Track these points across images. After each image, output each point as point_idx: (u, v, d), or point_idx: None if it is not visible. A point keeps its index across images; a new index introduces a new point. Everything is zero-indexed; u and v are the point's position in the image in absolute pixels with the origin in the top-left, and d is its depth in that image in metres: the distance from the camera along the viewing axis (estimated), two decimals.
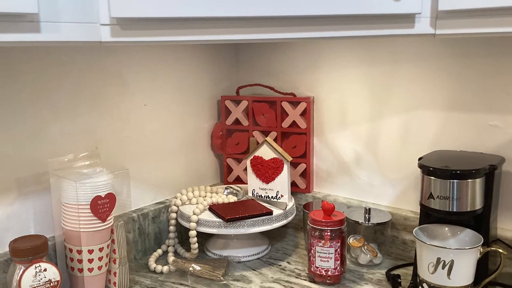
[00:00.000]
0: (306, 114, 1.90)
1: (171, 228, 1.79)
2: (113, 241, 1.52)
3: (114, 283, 1.54)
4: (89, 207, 1.42)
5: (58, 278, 1.36)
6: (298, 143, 1.94)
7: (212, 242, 1.82)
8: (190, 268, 1.63)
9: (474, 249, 1.36)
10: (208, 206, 1.77)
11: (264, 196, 1.83)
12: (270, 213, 1.70)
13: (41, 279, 1.33)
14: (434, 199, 1.42)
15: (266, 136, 1.91)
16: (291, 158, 1.79)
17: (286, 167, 1.78)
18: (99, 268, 1.48)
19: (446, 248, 1.36)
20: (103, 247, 1.48)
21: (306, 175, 1.97)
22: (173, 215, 1.78)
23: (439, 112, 1.65)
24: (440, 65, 1.63)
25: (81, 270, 1.47)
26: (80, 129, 1.60)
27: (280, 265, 1.72)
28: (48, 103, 1.51)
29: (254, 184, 1.85)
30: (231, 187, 1.92)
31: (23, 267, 1.31)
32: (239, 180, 2.08)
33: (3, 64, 1.40)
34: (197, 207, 1.72)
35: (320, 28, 1.22)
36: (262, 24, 1.20)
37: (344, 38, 1.29)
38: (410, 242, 1.72)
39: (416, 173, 1.56)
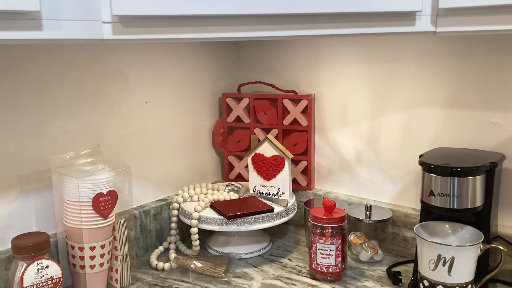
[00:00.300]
0: (307, 111, 1.90)
1: (173, 225, 1.79)
2: (114, 238, 1.52)
3: (116, 280, 1.55)
4: (91, 204, 1.43)
5: (60, 275, 1.36)
6: (299, 140, 1.94)
7: (214, 239, 1.83)
8: (192, 265, 1.63)
9: (475, 246, 1.36)
10: (209, 203, 1.77)
11: (265, 193, 1.84)
12: (271, 210, 1.71)
13: (43, 276, 1.33)
14: (434, 196, 1.42)
15: (267, 134, 1.91)
16: (292, 156, 1.79)
17: (287, 165, 1.78)
18: (101, 265, 1.49)
19: (447, 245, 1.36)
20: (104, 244, 1.48)
21: (307, 172, 1.97)
22: (175, 212, 1.78)
23: (439, 110, 1.65)
24: (441, 63, 1.63)
25: (83, 267, 1.47)
26: (82, 126, 1.60)
27: (281, 262, 1.73)
28: (50, 100, 1.51)
29: (255, 181, 1.86)
30: (232, 184, 1.92)
31: (25, 264, 1.31)
32: (240, 177, 2.08)
33: (5, 62, 1.41)
34: (198, 204, 1.72)
35: (321, 26, 1.22)
36: (263, 22, 1.21)
37: (345, 36, 1.29)
38: (410, 239, 1.72)
39: (417, 170, 1.56)
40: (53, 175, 1.48)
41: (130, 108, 1.73)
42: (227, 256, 1.71)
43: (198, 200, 1.79)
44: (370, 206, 1.74)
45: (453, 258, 1.35)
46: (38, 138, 1.50)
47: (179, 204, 1.79)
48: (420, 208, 1.53)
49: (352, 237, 1.69)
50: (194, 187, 1.87)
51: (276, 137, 1.94)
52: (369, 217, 1.71)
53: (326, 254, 1.56)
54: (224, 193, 1.85)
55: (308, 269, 1.65)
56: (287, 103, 1.92)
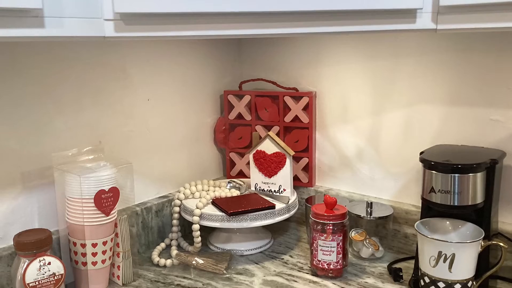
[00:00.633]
0: (308, 108, 1.91)
1: (174, 222, 1.79)
2: (116, 234, 1.53)
3: (118, 277, 1.55)
4: (93, 201, 1.43)
5: (62, 272, 1.37)
6: (300, 137, 1.95)
7: (215, 235, 1.83)
8: (193, 262, 1.64)
9: (475, 243, 1.37)
10: (211, 200, 1.77)
11: (267, 190, 1.84)
12: (272, 207, 1.71)
13: (45, 272, 1.34)
14: (435, 193, 1.43)
15: (269, 131, 1.91)
16: (294, 153, 1.79)
17: (288, 161, 1.78)
18: (103, 261, 1.49)
19: (448, 241, 1.37)
20: (106, 241, 1.49)
21: (308, 169, 1.98)
22: (176, 209, 1.79)
23: (440, 107, 1.65)
24: (441, 60, 1.63)
25: (85, 264, 1.47)
26: (84, 123, 1.61)
27: (283, 258, 1.73)
28: (52, 97, 1.52)
29: (256, 178, 1.86)
30: (234, 181, 1.93)
31: (27, 260, 1.32)
32: (242, 174, 2.09)
33: (8, 59, 1.41)
34: (200, 201, 1.72)
35: (322, 24, 1.23)
36: (265, 20, 1.21)
37: (346, 33, 1.29)
38: (411, 236, 1.72)
39: (418, 167, 1.57)
40: (55, 172, 1.49)
41: (132, 105, 1.74)
42: (229, 253, 1.72)
43: (200, 197, 1.79)
44: (371, 203, 1.74)
45: (453, 255, 1.35)
46: (41, 135, 1.50)
47: (181, 201, 1.79)
48: (421, 205, 1.54)
49: (353, 234, 1.70)
50: (196, 184, 1.87)
51: (278, 134, 1.95)
52: (370, 214, 1.71)
53: (327, 251, 1.56)
54: (226, 190, 1.85)
55: (309, 265, 1.65)
56: (288, 100, 1.93)
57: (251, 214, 1.68)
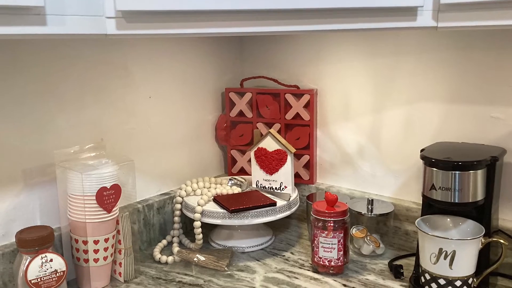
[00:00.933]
0: (309, 106, 1.91)
1: (176, 219, 1.80)
2: (118, 231, 1.53)
3: (120, 273, 1.56)
4: (94, 198, 1.44)
5: (64, 269, 1.37)
6: (301, 134, 1.95)
7: (217, 232, 1.83)
8: (195, 259, 1.64)
9: (476, 240, 1.37)
10: (212, 197, 1.78)
11: (268, 187, 1.84)
12: (273, 204, 1.72)
13: (47, 269, 1.34)
14: (436, 190, 1.43)
15: (270, 128, 1.92)
16: (295, 150, 1.79)
17: (289, 159, 1.79)
18: (105, 258, 1.50)
19: (448, 238, 1.37)
20: (108, 238, 1.49)
21: (309, 166, 1.98)
22: (178, 206, 1.79)
23: (441, 104, 1.66)
24: (442, 58, 1.63)
25: (86, 261, 1.48)
26: (86, 121, 1.61)
27: (284, 255, 1.74)
28: (54, 95, 1.52)
29: (258, 176, 1.86)
30: (235, 178, 1.93)
31: (29, 257, 1.32)
32: (243, 172, 2.09)
33: (10, 57, 1.41)
34: (201, 198, 1.73)
35: (323, 21, 1.23)
36: (266, 17, 1.21)
37: (347, 31, 1.30)
38: (412, 233, 1.73)
39: (418, 164, 1.57)
40: (57, 169, 1.49)
41: (133, 103, 1.74)
42: (230, 250, 1.72)
43: (201, 194, 1.80)
44: (372, 200, 1.74)
45: (454, 252, 1.35)
46: (43, 132, 1.51)
47: (182, 198, 1.79)
48: (421, 202, 1.54)
49: (354, 231, 1.70)
50: (197, 181, 1.87)
51: (279, 132, 1.95)
52: (371, 211, 1.72)
53: (328, 248, 1.57)
54: (227, 187, 1.85)
55: (310, 262, 1.65)
56: (290, 97, 1.93)
57: (252, 211, 1.68)
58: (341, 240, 1.56)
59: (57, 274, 1.36)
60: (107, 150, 1.59)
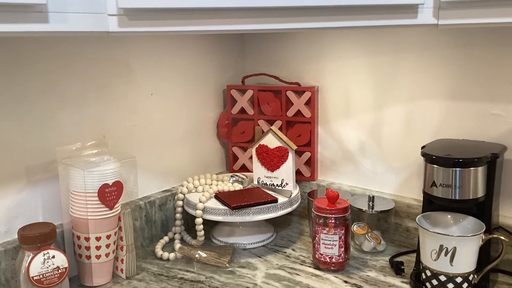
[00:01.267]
0: (310, 103, 1.91)
1: (178, 215, 1.80)
2: (120, 228, 1.54)
3: (121, 270, 1.56)
4: (96, 195, 1.44)
5: (66, 265, 1.38)
6: (302, 132, 1.95)
7: (218, 229, 1.84)
8: (196, 255, 1.65)
9: (476, 236, 1.37)
10: (214, 194, 1.78)
11: (269, 184, 1.85)
12: (275, 201, 1.72)
13: (49, 266, 1.34)
14: (437, 187, 1.43)
15: (271, 125, 1.92)
16: (296, 147, 1.80)
17: (291, 156, 1.79)
18: (107, 255, 1.50)
19: (449, 235, 1.37)
20: (110, 235, 1.50)
21: (310, 163, 1.98)
22: (180, 202, 1.80)
23: (441, 101, 1.66)
24: (443, 55, 1.64)
25: (88, 257, 1.48)
26: (88, 118, 1.61)
27: (285, 252, 1.74)
28: (56, 92, 1.52)
29: (259, 172, 1.87)
30: (236, 175, 1.94)
31: (31, 254, 1.33)
32: (244, 168, 2.09)
33: (12, 54, 1.42)
34: (203, 195, 1.73)
35: (324, 19, 1.23)
36: (267, 15, 1.21)
37: (348, 29, 1.30)
38: (413, 230, 1.73)
39: (419, 161, 1.57)
40: (60, 166, 1.50)
41: (135, 100, 1.75)
42: (232, 246, 1.73)
43: (203, 191, 1.80)
44: (373, 196, 1.75)
45: (455, 248, 1.36)
46: (45, 129, 1.51)
47: (184, 194, 1.80)
48: (422, 199, 1.54)
49: (355, 228, 1.71)
50: (199, 178, 1.88)
51: (280, 129, 1.95)
52: (372, 208, 1.72)
53: (330, 244, 1.57)
54: (229, 184, 1.86)
55: (312, 259, 1.66)
56: (291, 95, 1.93)
57: (254, 208, 1.69)
58: (342, 237, 1.57)
59: (59, 271, 1.36)
60: (109, 147, 1.60)
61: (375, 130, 1.82)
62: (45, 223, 1.41)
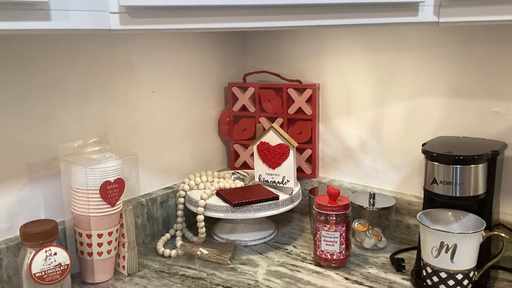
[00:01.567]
0: (311, 100, 1.92)
1: (179, 212, 1.81)
2: (122, 225, 1.54)
3: (123, 267, 1.57)
4: (98, 192, 1.44)
5: (68, 262, 1.38)
6: (303, 129, 1.96)
7: (219, 226, 1.84)
8: (198, 252, 1.65)
9: (477, 233, 1.37)
10: (215, 191, 1.78)
11: (271, 181, 1.85)
12: (276, 198, 1.72)
13: (51, 263, 1.35)
14: (437, 184, 1.44)
15: (273, 122, 1.92)
16: (297, 144, 1.80)
17: (292, 153, 1.79)
18: (108, 252, 1.51)
19: (449, 232, 1.38)
20: (112, 231, 1.50)
21: (311, 160, 1.99)
22: (181, 200, 1.80)
23: (442, 99, 1.66)
24: (443, 53, 1.64)
25: (90, 254, 1.49)
26: (90, 115, 1.62)
27: (286, 249, 1.74)
28: (58, 90, 1.53)
29: (260, 170, 1.87)
30: (238, 173, 1.94)
31: (33, 251, 1.33)
32: (246, 166, 2.10)
33: (14, 51, 1.42)
34: (204, 192, 1.73)
35: (325, 17, 1.23)
36: (269, 13, 1.21)
37: (349, 26, 1.30)
38: (414, 227, 1.74)
39: (420, 158, 1.58)
40: (61, 163, 1.50)
41: (137, 97, 1.75)
42: (233, 243, 1.73)
43: (204, 188, 1.81)
44: (374, 194, 1.75)
45: (455, 245, 1.36)
46: (47, 126, 1.51)
47: (186, 192, 1.80)
48: (423, 196, 1.54)
49: (356, 225, 1.71)
50: (200, 175, 1.88)
51: (281, 126, 1.95)
52: (373, 205, 1.72)
53: (331, 241, 1.58)
54: (230, 181, 1.86)
55: (313, 256, 1.66)
56: (292, 92, 1.94)
57: (255, 205, 1.69)
58: (343, 234, 1.57)
59: (61, 268, 1.37)
60: (111, 145, 1.60)
61: (376, 128, 1.82)
62: (47, 220, 1.41)
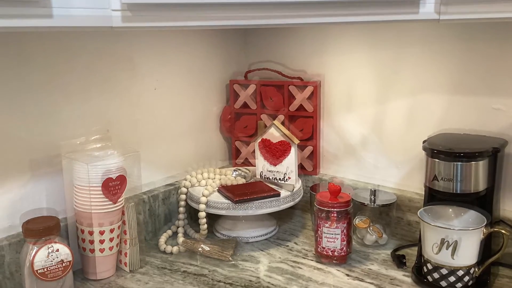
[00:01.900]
0: (313, 97, 1.92)
1: (181, 209, 1.81)
2: (124, 222, 1.54)
3: (125, 263, 1.57)
4: (100, 188, 1.45)
5: (70, 259, 1.39)
6: (305, 126, 1.96)
7: (221, 223, 1.84)
8: (199, 249, 1.65)
9: (478, 230, 1.38)
10: (217, 188, 1.79)
11: (272, 178, 1.85)
12: (277, 194, 1.73)
13: (54, 259, 1.35)
14: (438, 181, 1.44)
15: (274, 119, 1.92)
16: (299, 141, 1.80)
17: (293, 150, 1.79)
18: (110, 248, 1.51)
19: (450, 229, 1.38)
20: (114, 228, 1.51)
21: (313, 157, 1.99)
22: (183, 196, 1.80)
23: (443, 95, 1.66)
24: (445, 49, 1.64)
25: (92, 251, 1.49)
26: (92, 112, 1.62)
27: (288, 245, 1.75)
28: (60, 87, 1.53)
29: (262, 166, 1.87)
30: (239, 169, 1.94)
31: (35, 247, 1.33)
32: (247, 162, 2.10)
33: (16, 48, 1.42)
34: (206, 188, 1.74)
35: (327, 14, 1.23)
36: (270, 10, 1.22)
37: (351, 24, 1.30)
38: (414, 223, 1.74)
39: (421, 155, 1.58)
40: (64, 160, 1.50)
41: (139, 94, 1.75)
42: (234, 240, 1.73)
43: (206, 185, 1.81)
44: (375, 190, 1.75)
45: (456, 242, 1.36)
46: (49, 123, 1.52)
47: (187, 188, 1.80)
48: (424, 193, 1.55)
49: (357, 221, 1.71)
50: (202, 172, 1.88)
51: (283, 123, 1.96)
52: (374, 202, 1.73)
53: (332, 238, 1.58)
54: (232, 178, 1.86)
55: (314, 252, 1.67)
56: (293, 89, 1.94)
57: (257, 201, 1.69)
58: (344, 230, 1.58)
59: (63, 264, 1.37)
60: (113, 141, 1.60)
61: (377, 124, 1.83)
62: (49, 216, 1.42)
